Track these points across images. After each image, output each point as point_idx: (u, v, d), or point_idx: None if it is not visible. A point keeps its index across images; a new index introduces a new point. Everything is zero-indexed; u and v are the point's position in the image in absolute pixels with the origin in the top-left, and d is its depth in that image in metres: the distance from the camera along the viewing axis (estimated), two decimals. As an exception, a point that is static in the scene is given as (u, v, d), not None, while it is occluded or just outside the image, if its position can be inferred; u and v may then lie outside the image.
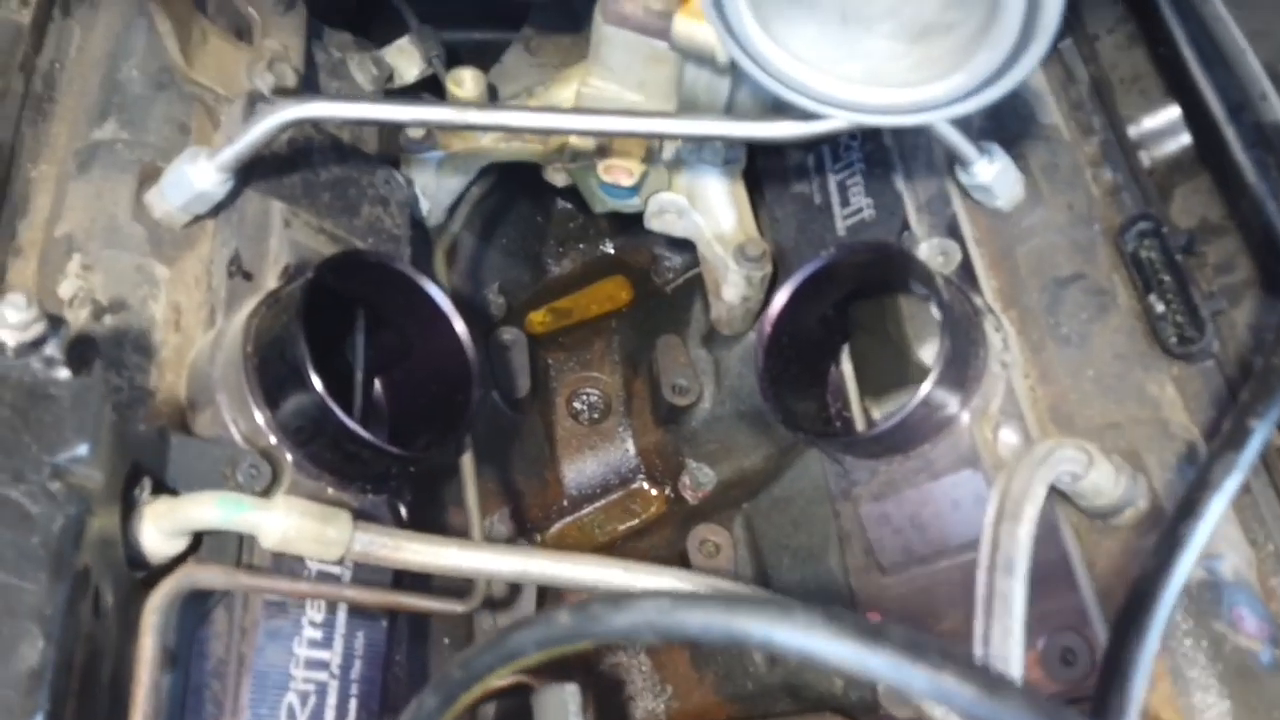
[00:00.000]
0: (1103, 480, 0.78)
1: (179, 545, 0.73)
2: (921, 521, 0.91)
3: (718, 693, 1.12)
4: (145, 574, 0.72)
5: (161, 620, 0.66)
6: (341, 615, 0.83)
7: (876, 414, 1.04)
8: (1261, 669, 0.80)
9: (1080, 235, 0.97)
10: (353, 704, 0.81)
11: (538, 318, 1.41)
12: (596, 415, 1.34)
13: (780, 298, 0.96)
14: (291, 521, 0.74)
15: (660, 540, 1.25)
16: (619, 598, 0.43)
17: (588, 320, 1.42)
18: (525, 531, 1.24)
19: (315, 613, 0.81)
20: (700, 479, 1.27)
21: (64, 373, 0.63)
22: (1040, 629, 0.83)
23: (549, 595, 1.12)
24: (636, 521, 1.29)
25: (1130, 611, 0.55)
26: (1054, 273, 0.96)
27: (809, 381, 1.04)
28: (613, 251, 1.46)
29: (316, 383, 0.78)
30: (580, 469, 1.31)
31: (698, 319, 1.29)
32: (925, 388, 0.85)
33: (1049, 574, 0.84)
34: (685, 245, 1.39)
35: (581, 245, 1.46)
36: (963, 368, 0.89)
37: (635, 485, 1.32)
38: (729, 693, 1.10)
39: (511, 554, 0.83)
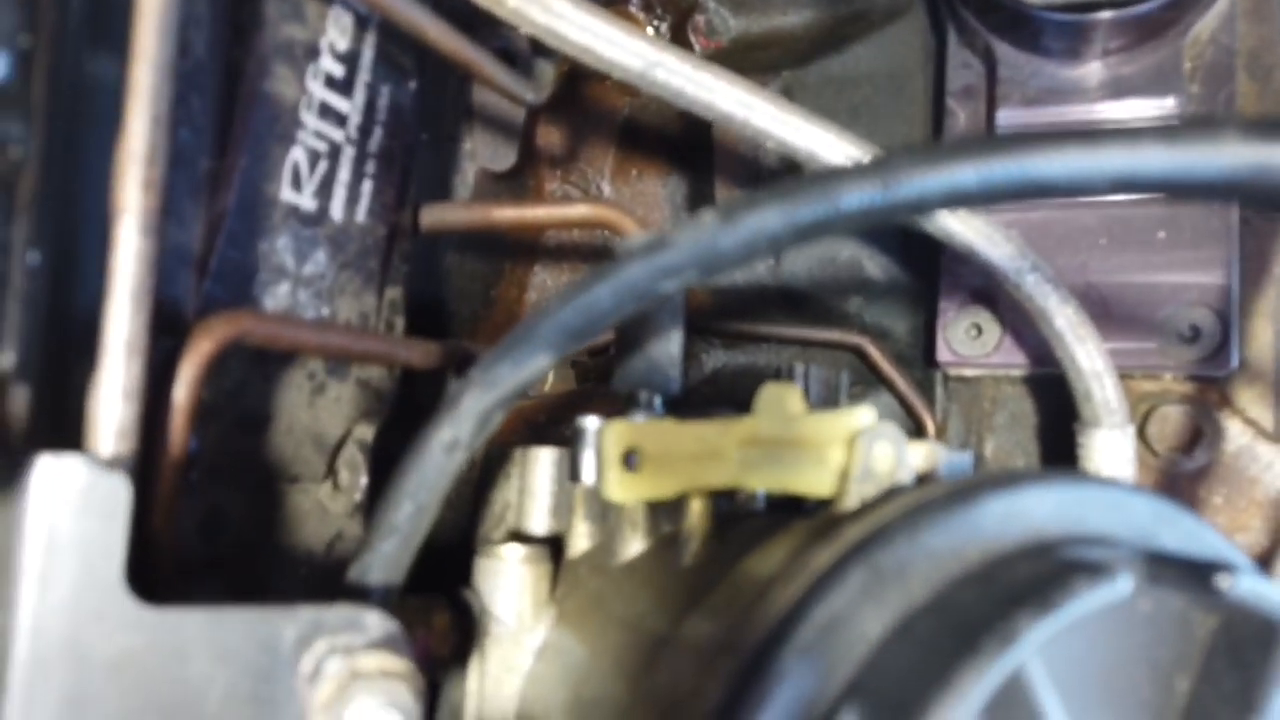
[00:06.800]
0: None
1: None
2: (1074, 145, 0.74)
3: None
4: None
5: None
6: (368, 53, 0.54)
7: None
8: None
9: None
10: (367, 186, 0.56)
11: None
12: (602, -98, 1.01)
13: None
14: None
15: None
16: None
17: None
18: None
19: (339, 36, 0.52)
20: (717, 26, 1.01)
21: None
22: (1171, 300, 0.73)
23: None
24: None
25: None
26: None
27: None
28: None
29: None
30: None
31: None
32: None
33: (1201, 243, 0.73)
34: None
35: None
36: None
37: (628, 6, 1.03)
38: (715, 287, 0.95)
39: (636, 37, 0.57)
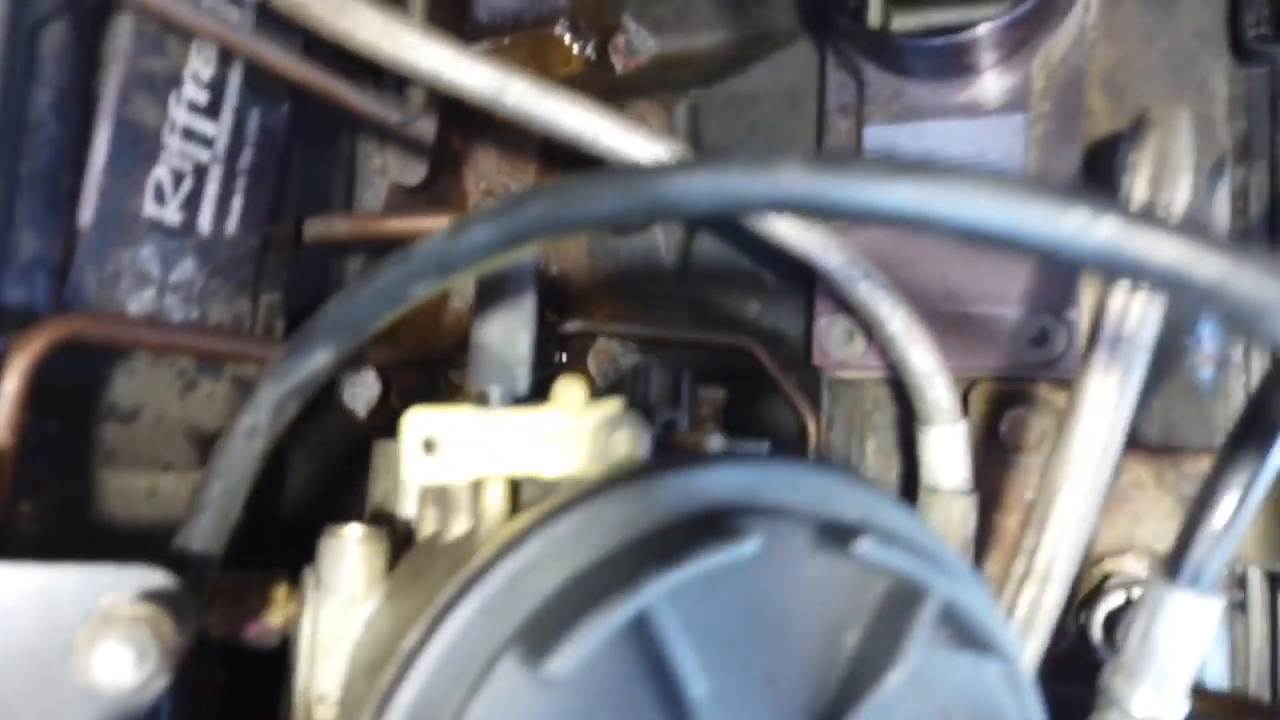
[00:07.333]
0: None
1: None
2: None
3: (612, 291, 1.01)
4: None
5: None
6: (235, 80, 0.60)
7: (897, 24, 0.87)
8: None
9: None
10: (237, 201, 0.61)
11: None
12: (526, -69, 1.06)
13: None
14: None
15: (576, 105, 1.06)
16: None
17: None
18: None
19: (203, 65, 0.57)
20: (636, 45, 1.07)
21: None
22: (1021, 306, 0.77)
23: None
24: (545, 77, 1.08)
25: None
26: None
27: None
28: None
29: None
30: (497, -10, 1.05)
31: None
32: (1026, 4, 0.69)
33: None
34: None
35: None
36: (1057, -8, 0.73)
37: (554, 30, 1.09)
38: (627, 295, 1.00)
39: (484, 64, 0.63)
